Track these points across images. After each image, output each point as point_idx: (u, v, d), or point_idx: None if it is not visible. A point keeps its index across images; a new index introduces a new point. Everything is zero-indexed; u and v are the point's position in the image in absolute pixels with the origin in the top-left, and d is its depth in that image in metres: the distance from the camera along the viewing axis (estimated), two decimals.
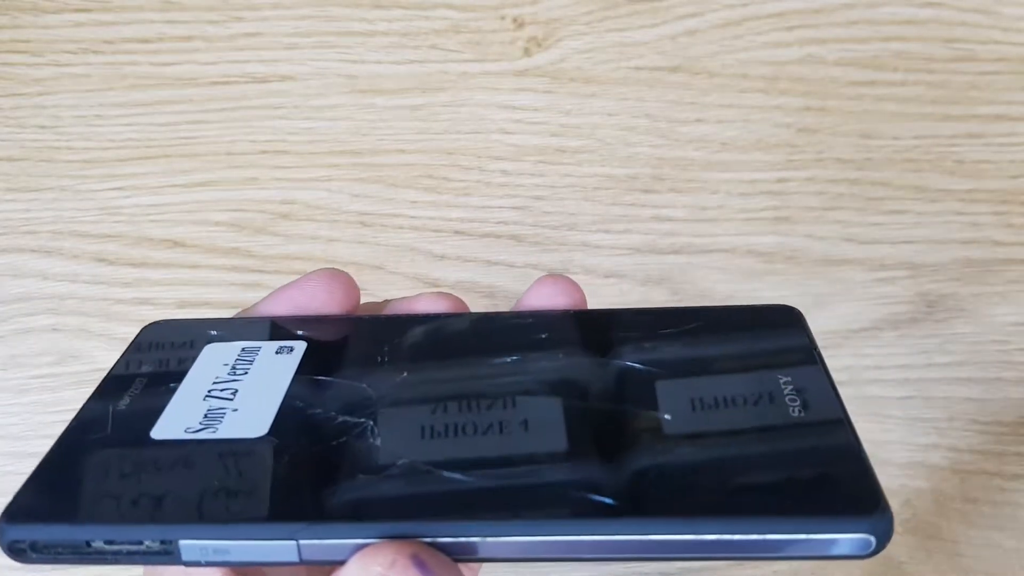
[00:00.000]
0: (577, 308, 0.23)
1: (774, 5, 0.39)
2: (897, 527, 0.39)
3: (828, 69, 0.39)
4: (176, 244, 0.38)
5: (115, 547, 0.17)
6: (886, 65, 0.39)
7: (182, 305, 0.38)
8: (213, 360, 0.21)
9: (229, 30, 0.38)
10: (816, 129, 0.39)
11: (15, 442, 0.38)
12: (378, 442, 0.19)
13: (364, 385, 0.20)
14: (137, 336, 0.22)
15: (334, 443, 0.19)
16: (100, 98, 0.38)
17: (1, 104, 0.38)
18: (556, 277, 0.23)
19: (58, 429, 0.37)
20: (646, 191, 0.39)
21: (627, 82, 0.39)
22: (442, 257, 0.39)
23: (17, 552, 0.17)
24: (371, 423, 0.19)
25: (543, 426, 0.19)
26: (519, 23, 0.39)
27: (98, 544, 0.17)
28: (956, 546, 0.39)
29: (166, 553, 0.17)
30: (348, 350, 0.22)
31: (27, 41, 0.38)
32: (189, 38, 0.38)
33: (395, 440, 0.19)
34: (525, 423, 0.19)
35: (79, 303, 0.38)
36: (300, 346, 0.22)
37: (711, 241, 0.39)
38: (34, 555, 0.17)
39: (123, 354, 0.22)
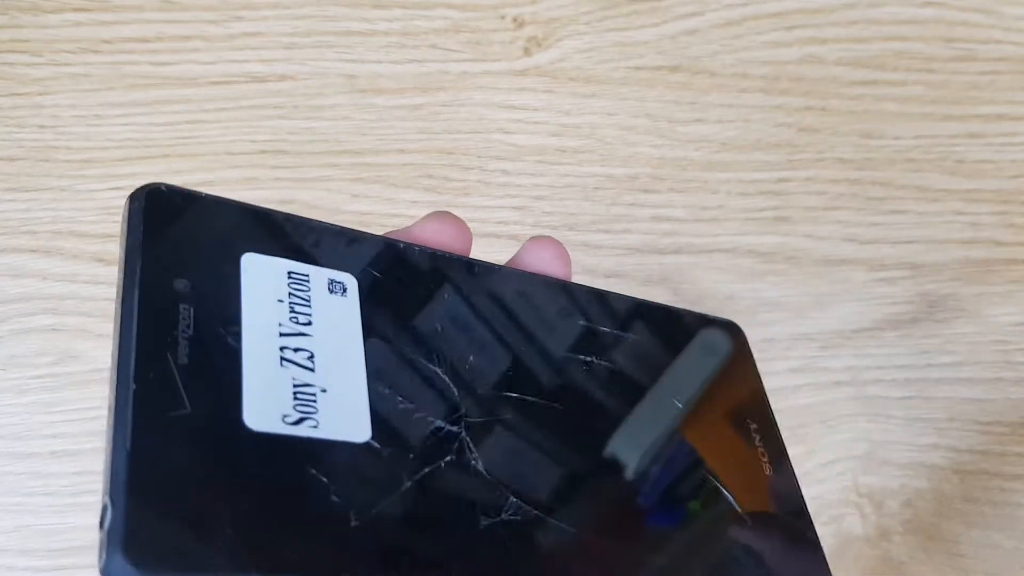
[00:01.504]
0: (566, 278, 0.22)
1: (774, 5, 0.39)
2: (897, 527, 0.39)
3: (828, 69, 0.39)
4: None
5: None
6: (887, 65, 0.39)
7: None
8: (262, 289, 0.17)
9: (228, 30, 0.38)
10: (816, 129, 0.39)
11: (15, 442, 0.38)
12: (480, 466, 0.17)
13: (440, 372, 0.18)
14: (141, 213, 0.17)
15: (442, 464, 0.17)
16: (99, 98, 0.38)
17: (1, 104, 0.38)
18: (547, 241, 0.22)
19: (58, 429, 0.37)
20: (646, 191, 0.39)
21: (627, 82, 0.39)
22: None
23: None
24: (464, 434, 0.17)
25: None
26: (519, 23, 0.39)
27: None
28: (956, 546, 0.39)
29: None
30: (408, 303, 0.19)
31: (27, 41, 0.38)
32: (189, 38, 0.38)
33: (502, 468, 0.17)
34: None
35: (79, 303, 0.38)
36: (351, 284, 0.18)
37: (711, 241, 0.39)
38: None
39: (133, 246, 0.16)
